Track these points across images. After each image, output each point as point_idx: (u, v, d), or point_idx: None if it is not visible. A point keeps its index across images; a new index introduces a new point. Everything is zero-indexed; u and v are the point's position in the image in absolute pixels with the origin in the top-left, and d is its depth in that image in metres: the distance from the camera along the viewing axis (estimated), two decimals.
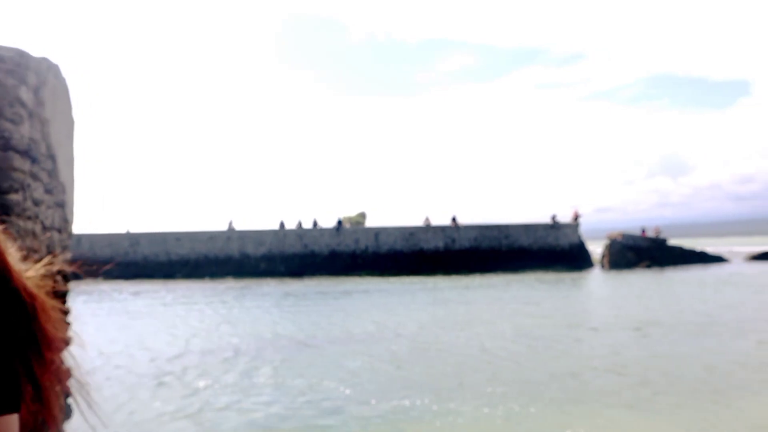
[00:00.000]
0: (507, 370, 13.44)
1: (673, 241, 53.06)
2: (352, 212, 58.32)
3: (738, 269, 46.52)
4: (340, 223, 51.38)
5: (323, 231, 50.52)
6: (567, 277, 40.60)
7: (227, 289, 37.02)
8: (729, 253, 61.56)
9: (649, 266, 47.45)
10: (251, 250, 50.20)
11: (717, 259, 54.95)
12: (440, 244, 50.05)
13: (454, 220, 51.05)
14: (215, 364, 14.68)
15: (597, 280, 39.38)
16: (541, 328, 19.34)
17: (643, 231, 51.28)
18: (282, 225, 51.06)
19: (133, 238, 51.08)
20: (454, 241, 50.09)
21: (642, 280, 37.27)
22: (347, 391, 11.78)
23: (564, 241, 50.10)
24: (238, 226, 51.37)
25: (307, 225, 51.28)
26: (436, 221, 51.39)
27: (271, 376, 13.31)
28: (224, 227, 51.26)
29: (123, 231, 51.74)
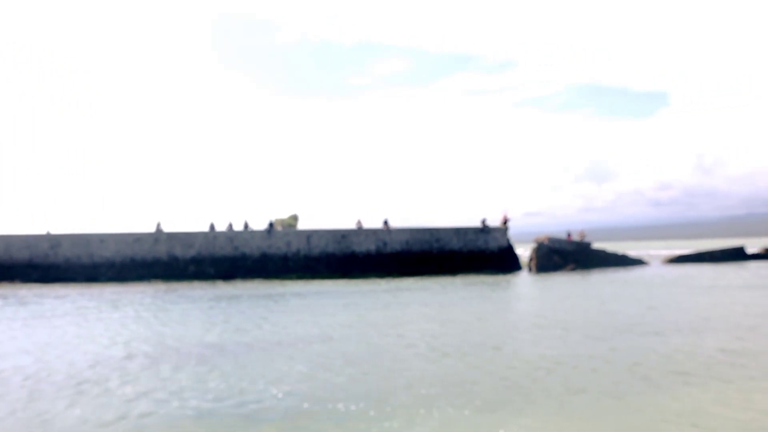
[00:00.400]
0: (442, 371, 13.61)
1: (597, 245, 55.04)
2: (284, 214, 57.85)
3: (656, 272, 48.69)
4: (271, 225, 50.85)
5: (254, 233, 49.89)
6: (496, 280, 41.49)
7: (156, 292, 36.02)
8: (648, 257, 64.67)
9: (574, 269, 49.06)
10: (180, 252, 49.05)
11: (637, 262, 57.44)
12: (372, 247, 50.26)
13: (385, 223, 51.36)
14: (155, 369, 14.26)
15: (525, 282, 40.38)
16: (474, 330, 19.70)
17: (569, 235, 52.91)
18: (212, 227, 50.12)
19: (54, 240, 49.01)
20: (385, 244, 50.39)
21: (568, 283, 38.48)
22: (280, 395, 11.67)
23: (493, 244, 51.17)
24: (167, 228, 50.08)
25: (238, 227, 50.53)
26: (368, 224, 51.64)
27: (198, 380, 13.02)
28: (152, 228, 49.86)
29: (42, 232, 49.60)
